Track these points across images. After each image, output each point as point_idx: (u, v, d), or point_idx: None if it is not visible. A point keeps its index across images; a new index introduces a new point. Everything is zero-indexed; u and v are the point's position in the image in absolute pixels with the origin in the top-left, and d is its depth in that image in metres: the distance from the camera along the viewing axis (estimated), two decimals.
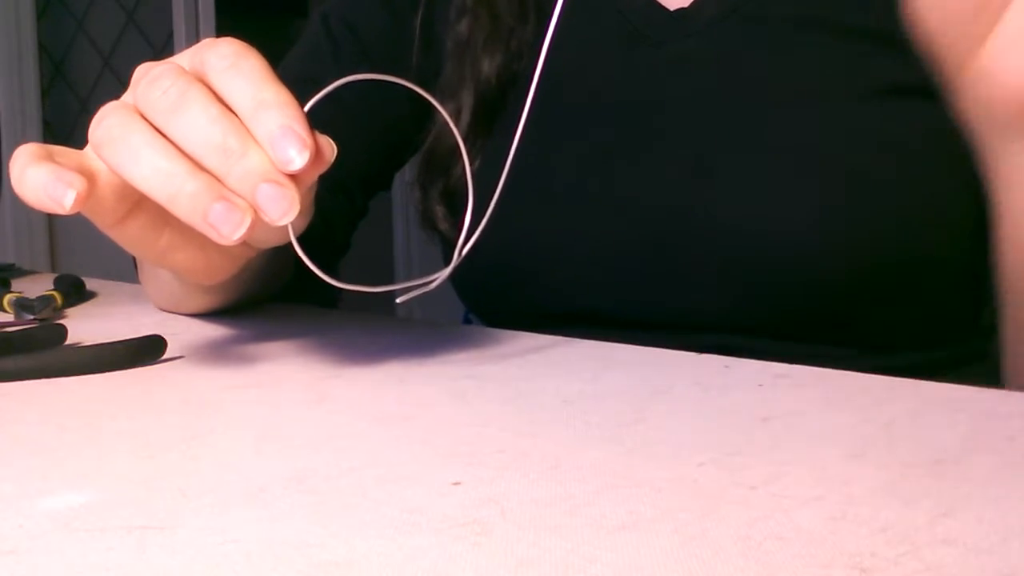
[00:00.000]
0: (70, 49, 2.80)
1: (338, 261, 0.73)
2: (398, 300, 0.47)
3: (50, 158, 0.40)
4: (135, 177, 0.39)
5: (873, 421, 0.36)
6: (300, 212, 0.40)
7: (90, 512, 0.28)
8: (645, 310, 0.60)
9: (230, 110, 0.39)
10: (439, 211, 0.67)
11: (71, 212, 0.39)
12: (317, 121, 0.74)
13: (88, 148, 0.43)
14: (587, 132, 0.63)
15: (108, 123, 0.40)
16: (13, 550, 0.26)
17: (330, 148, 0.39)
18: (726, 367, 0.46)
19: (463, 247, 0.46)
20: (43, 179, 0.39)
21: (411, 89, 0.69)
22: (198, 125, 0.38)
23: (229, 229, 0.38)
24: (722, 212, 0.57)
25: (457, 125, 0.65)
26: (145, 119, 0.40)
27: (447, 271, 0.46)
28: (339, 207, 0.68)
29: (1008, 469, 0.31)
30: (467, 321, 0.96)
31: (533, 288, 0.64)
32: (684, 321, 0.59)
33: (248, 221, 0.38)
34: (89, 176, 0.40)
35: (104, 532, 0.27)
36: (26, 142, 0.43)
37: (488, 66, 0.64)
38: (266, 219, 0.38)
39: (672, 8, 0.62)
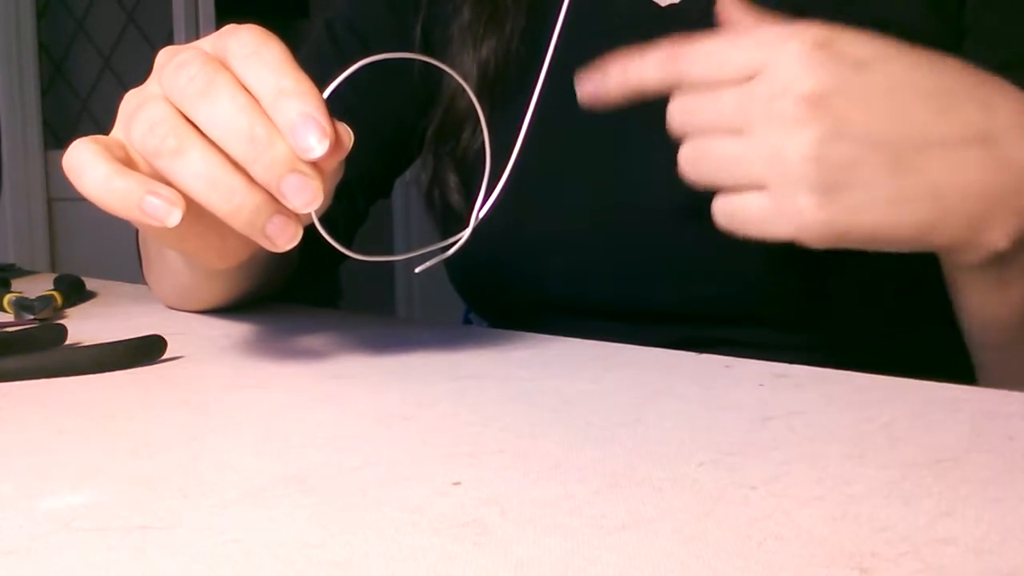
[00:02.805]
0: (70, 49, 2.79)
1: (339, 263, 0.73)
2: (416, 269, 0.47)
3: (114, 156, 0.41)
4: (196, 192, 0.40)
5: (873, 421, 0.36)
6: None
7: (90, 512, 0.28)
8: (644, 302, 0.60)
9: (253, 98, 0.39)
10: (452, 180, 0.67)
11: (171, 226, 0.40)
12: None
13: (117, 133, 0.43)
14: (582, 125, 0.63)
15: (159, 131, 0.39)
16: (13, 550, 0.26)
17: (348, 136, 0.40)
18: (726, 367, 0.46)
19: (481, 208, 0.46)
20: (138, 193, 0.39)
21: (414, 86, 0.69)
22: (226, 113, 0.39)
23: (284, 240, 0.40)
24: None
25: (464, 97, 0.65)
26: (182, 114, 0.40)
27: (465, 234, 0.46)
28: (341, 210, 0.68)
29: (1008, 469, 0.31)
30: (467, 321, 0.96)
31: (531, 280, 0.64)
32: (683, 312, 0.59)
33: (301, 231, 0.41)
34: (132, 166, 0.41)
35: (104, 532, 0.27)
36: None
37: (487, 49, 0.65)
38: (291, 207, 0.39)
39: (664, 4, 0.63)
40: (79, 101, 2.78)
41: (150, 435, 0.36)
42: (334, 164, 0.40)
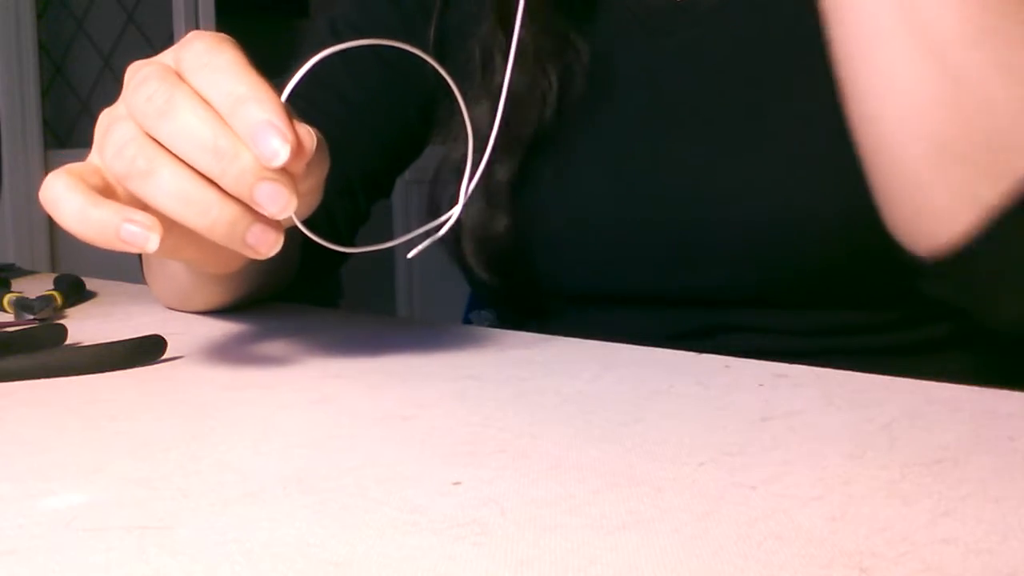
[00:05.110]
0: (70, 49, 2.79)
1: (341, 264, 0.73)
2: (409, 255, 0.47)
3: (87, 184, 0.40)
4: (171, 211, 0.39)
5: (873, 421, 0.36)
6: (306, 197, 0.42)
7: (90, 512, 0.28)
8: (660, 288, 0.61)
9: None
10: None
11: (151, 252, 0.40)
12: (328, 120, 0.73)
13: (95, 158, 0.43)
14: (601, 118, 0.63)
15: (127, 153, 0.39)
16: (13, 550, 0.26)
17: (310, 138, 0.39)
18: (726, 367, 0.46)
19: (468, 188, 0.46)
20: (114, 222, 0.39)
21: (421, 88, 0.69)
22: (187, 128, 0.39)
23: (266, 248, 0.40)
24: (735, 192, 0.58)
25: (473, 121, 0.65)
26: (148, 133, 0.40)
27: (453, 214, 0.46)
28: (344, 209, 0.68)
29: (1008, 469, 0.31)
30: (467, 321, 0.96)
31: (547, 268, 0.64)
32: (699, 297, 0.60)
33: (282, 237, 0.41)
34: (113, 193, 0.41)
35: (104, 532, 0.27)
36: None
37: (535, 83, 0.63)
38: (266, 215, 0.39)
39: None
40: (79, 101, 2.78)
41: (150, 435, 0.36)
42: (302, 166, 0.40)
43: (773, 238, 0.57)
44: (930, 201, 0.46)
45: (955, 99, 0.44)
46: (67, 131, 2.76)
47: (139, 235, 0.39)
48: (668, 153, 0.60)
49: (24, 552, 0.26)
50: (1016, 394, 0.39)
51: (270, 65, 0.42)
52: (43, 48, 2.71)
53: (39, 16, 2.68)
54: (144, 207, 0.40)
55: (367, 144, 0.70)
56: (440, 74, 0.46)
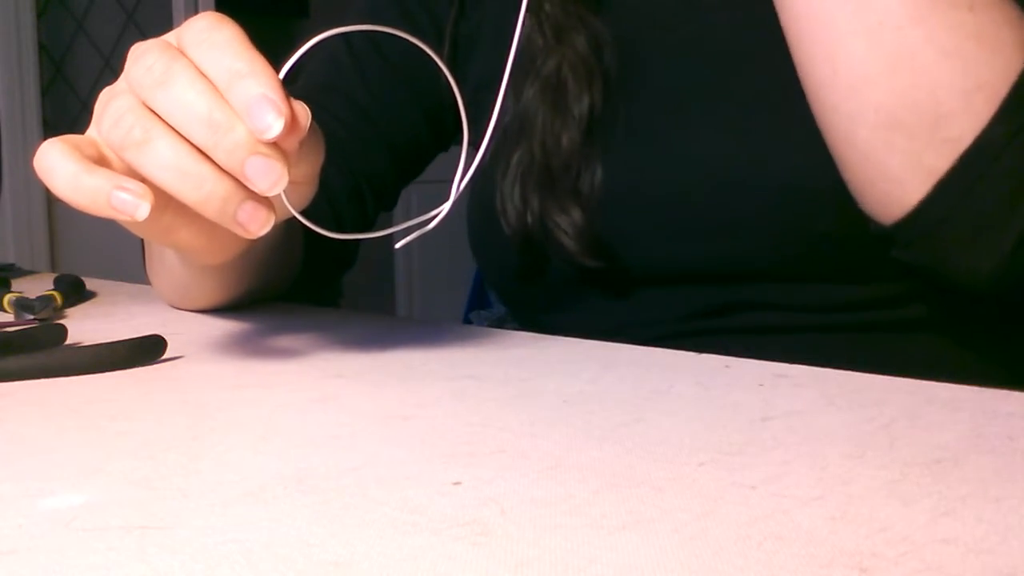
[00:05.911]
0: (70, 49, 2.79)
1: (344, 270, 0.73)
2: (397, 245, 0.47)
3: (82, 153, 0.41)
4: (165, 182, 0.40)
5: (873, 421, 0.36)
6: (301, 186, 0.42)
7: (90, 512, 0.28)
8: (677, 265, 0.61)
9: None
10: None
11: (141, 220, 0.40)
12: (338, 124, 0.73)
13: (93, 132, 0.43)
14: (619, 94, 0.63)
15: (125, 123, 0.40)
16: (13, 550, 0.26)
17: (305, 114, 0.40)
18: (726, 367, 0.46)
19: (460, 182, 0.46)
20: (106, 189, 0.39)
21: (434, 104, 0.69)
22: (184, 99, 0.39)
23: (256, 226, 0.40)
24: (747, 172, 0.58)
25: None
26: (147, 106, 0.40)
27: (444, 208, 0.46)
28: (352, 214, 0.68)
29: (1008, 469, 0.31)
30: (467, 321, 0.96)
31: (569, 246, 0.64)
32: (715, 273, 0.60)
33: (273, 217, 0.41)
34: (108, 165, 0.41)
35: (104, 532, 0.27)
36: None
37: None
38: (256, 190, 0.39)
39: None
40: (79, 101, 2.78)
41: (150, 435, 0.36)
42: (295, 143, 0.40)
43: (786, 213, 0.57)
44: (882, 170, 0.49)
45: (895, 75, 0.47)
46: (67, 131, 2.76)
47: (130, 203, 0.39)
48: (680, 137, 0.60)
49: (24, 552, 0.26)
50: (1016, 394, 0.39)
51: (270, 65, 0.42)
52: (43, 48, 2.71)
53: (39, 16, 2.68)
54: (140, 180, 0.40)
55: (376, 147, 0.70)
56: (442, 72, 0.46)
